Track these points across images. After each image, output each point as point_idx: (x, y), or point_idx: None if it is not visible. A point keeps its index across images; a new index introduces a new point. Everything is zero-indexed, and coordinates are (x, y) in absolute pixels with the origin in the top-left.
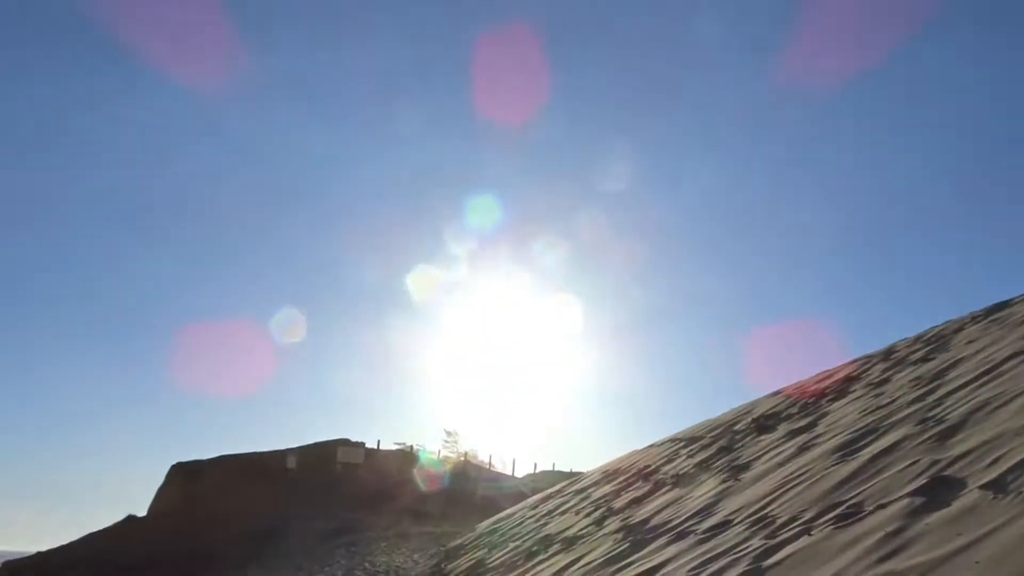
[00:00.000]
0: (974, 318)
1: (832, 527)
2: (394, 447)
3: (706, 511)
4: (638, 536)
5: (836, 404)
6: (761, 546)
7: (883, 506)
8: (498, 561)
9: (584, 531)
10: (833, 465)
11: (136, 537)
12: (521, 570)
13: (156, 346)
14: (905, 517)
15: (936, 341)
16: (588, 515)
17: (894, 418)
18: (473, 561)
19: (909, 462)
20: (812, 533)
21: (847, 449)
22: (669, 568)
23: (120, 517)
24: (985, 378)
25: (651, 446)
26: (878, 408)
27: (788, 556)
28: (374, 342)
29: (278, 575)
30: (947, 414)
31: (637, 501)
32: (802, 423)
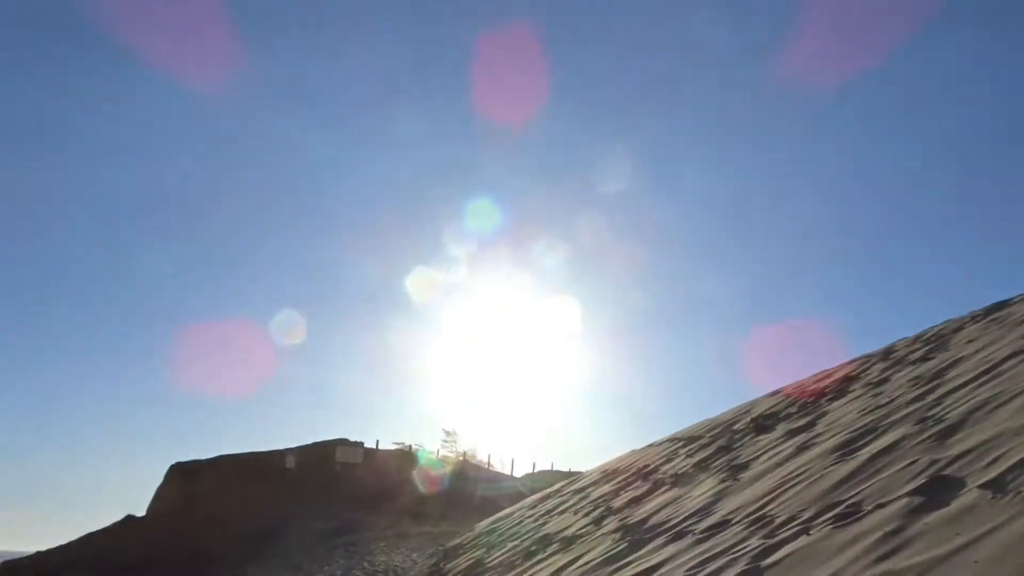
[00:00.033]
0: (974, 318)
1: (831, 527)
2: (393, 447)
3: (705, 511)
4: (636, 536)
5: (835, 404)
6: (759, 546)
7: (882, 505)
8: (497, 561)
9: (583, 531)
10: (832, 465)
11: (135, 537)
12: (519, 570)
13: (155, 346)
14: (904, 517)
15: (935, 340)
16: (587, 515)
17: (893, 417)
18: (472, 561)
19: (908, 462)
20: (811, 533)
21: (846, 449)
22: (667, 568)
23: (119, 517)
24: (984, 377)
25: (650, 446)
26: (877, 408)
27: (787, 556)
28: (373, 343)
29: (277, 574)
30: (946, 413)
31: (636, 501)
32: (801, 423)
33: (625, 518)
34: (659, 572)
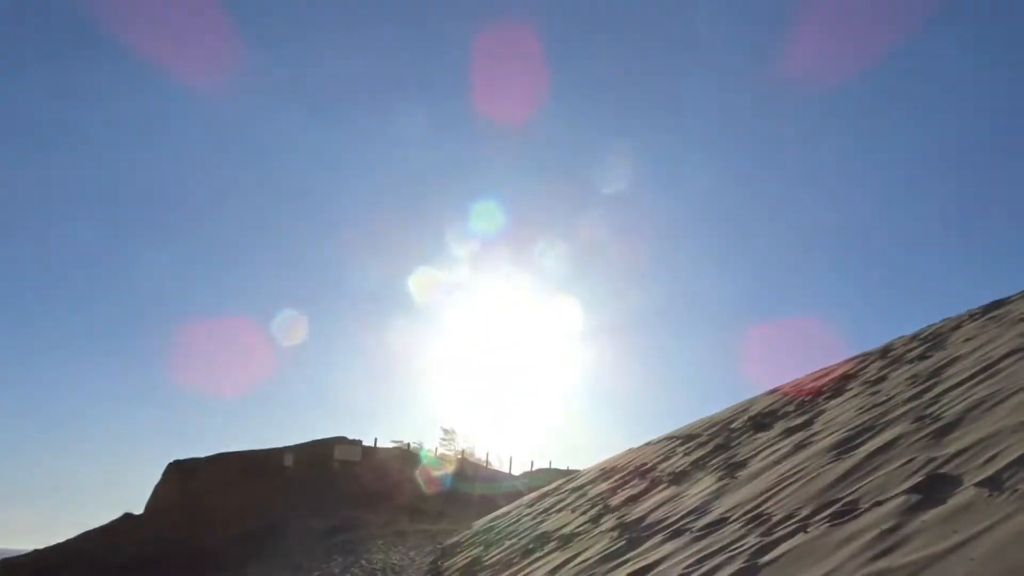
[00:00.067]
0: (971, 316)
1: (827, 525)
2: (391, 445)
3: (702, 509)
4: (634, 534)
5: (833, 402)
6: (756, 544)
7: (879, 504)
8: (494, 559)
9: (580, 529)
10: (829, 463)
11: (132, 535)
12: (517, 567)
13: (153, 344)
14: (901, 515)
15: (933, 339)
16: (584, 513)
17: (890, 416)
18: (469, 559)
19: (905, 460)
20: (808, 531)
21: (843, 447)
22: (664, 566)
23: (117, 515)
24: (982, 376)
25: (648, 444)
26: (874, 406)
27: (783, 554)
28: (372, 342)
29: (275, 573)
30: (943, 412)
31: (633, 499)
32: (799, 421)
33: (623, 516)
34: (656, 570)
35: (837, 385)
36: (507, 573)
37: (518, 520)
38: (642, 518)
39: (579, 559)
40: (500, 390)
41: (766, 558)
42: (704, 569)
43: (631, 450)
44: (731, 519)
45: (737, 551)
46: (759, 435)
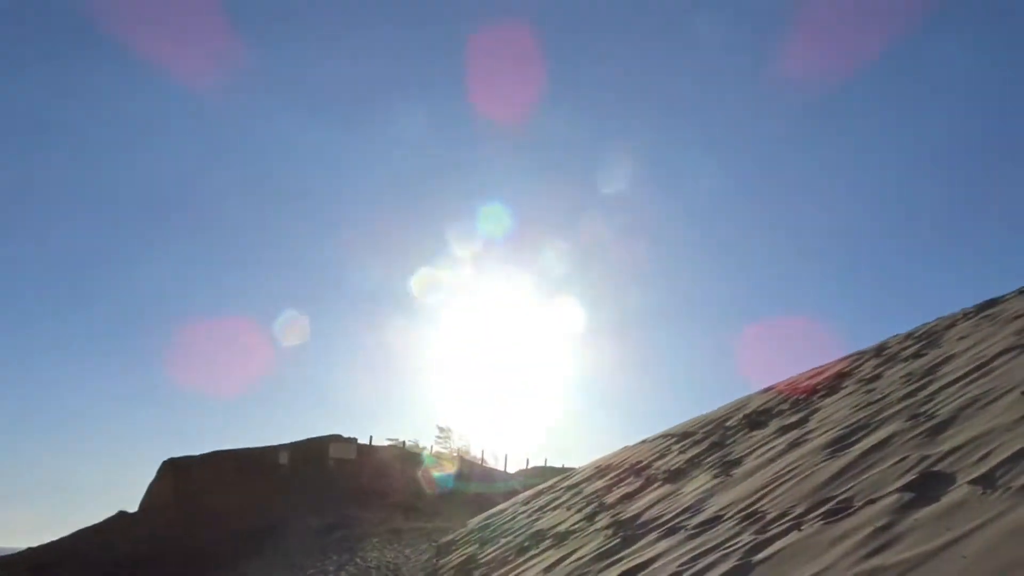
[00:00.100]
0: (966, 314)
1: (822, 522)
2: (387, 443)
3: (697, 507)
4: (629, 531)
5: (828, 400)
6: (751, 541)
7: (872, 501)
8: (489, 556)
9: (575, 527)
10: (823, 461)
11: (126, 533)
12: (512, 565)
13: (148, 342)
14: (894, 512)
15: (928, 337)
16: (579, 511)
17: (885, 414)
18: (464, 557)
19: (899, 458)
20: (802, 528)
21: (838, 445)
22: (659, 563)
23: (111, 513)
24: (976, 374)
25: (643, 442)
26: (869, 404)
27: (778, 551)
28: (369, 341)
29: (270, 571)
30: (938, 410)
31: (628, 497)
32: (794, 419)
33: (618, 514)
34: (651, 568)
35: (832, 383)
36: (502, 571)
37: (513, 518)
38: (637, 516)
39: (574, 557)
40: (496, 388)
41: (760, 556)
42: (698, 567)
43: (626, 448)
44: (725, 517)
45: (731, 549)
46: (754, 433)
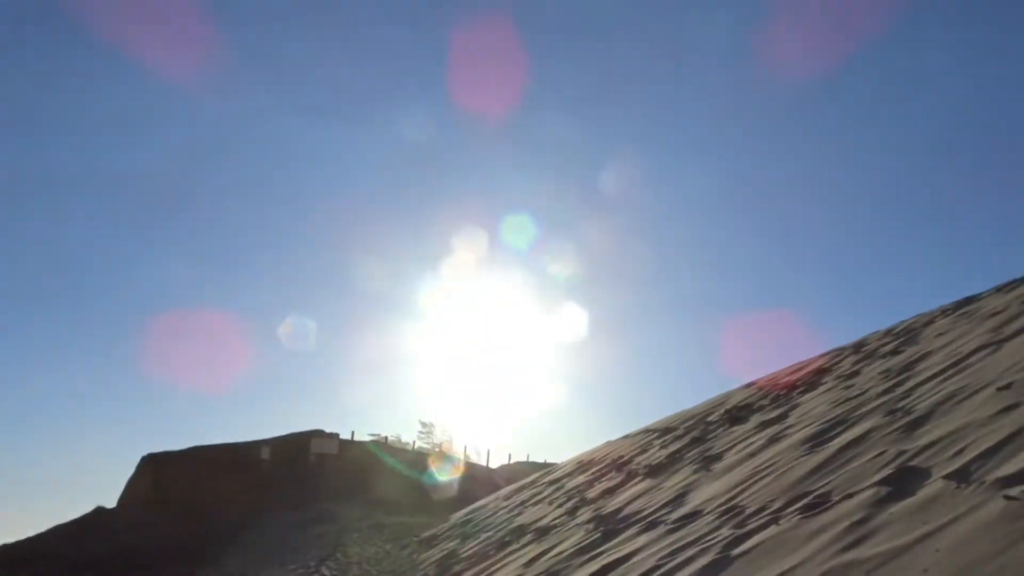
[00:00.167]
0: (944, 312)
1: (799, 517)
2: (369, 438)
3: (677, 501)
4: (609, 526)
5: (807, 396)
6: (729, 536)
7: (849, 496)
8: (470, 551)
9: (556, 521)
10: (802, 456)
11: (104, 528)
12: (492, 560)
13: (128, 336)
14: (870, 507)
15: (906, 334)
16: (561, 505)
17: (863, 409)
18: (446, 552)
19: (876, 452)
20: (780, 523)
21: (816, 440)
22: (638, 558)
23: (89, 509)
24: (952, 370)
25: (625, 437)
26: (848, 400)
27: (756, 545)
28: (354, 339)
29: (251, 566)
30: (915, 405)
31: (610, 491)
32: (773, 414)
33: (599, 508)
34: (631, 562)
35: (812, 379)
36: (482, 565)
37: (495, 513)
38: (618, 510)
39: (554, 551)
40: (478, 384)
41: (738, 550)
42: (677, 561)
43: (608, 443)
44: (705, 511)
45: (710, 543)
46: (735, 428)
